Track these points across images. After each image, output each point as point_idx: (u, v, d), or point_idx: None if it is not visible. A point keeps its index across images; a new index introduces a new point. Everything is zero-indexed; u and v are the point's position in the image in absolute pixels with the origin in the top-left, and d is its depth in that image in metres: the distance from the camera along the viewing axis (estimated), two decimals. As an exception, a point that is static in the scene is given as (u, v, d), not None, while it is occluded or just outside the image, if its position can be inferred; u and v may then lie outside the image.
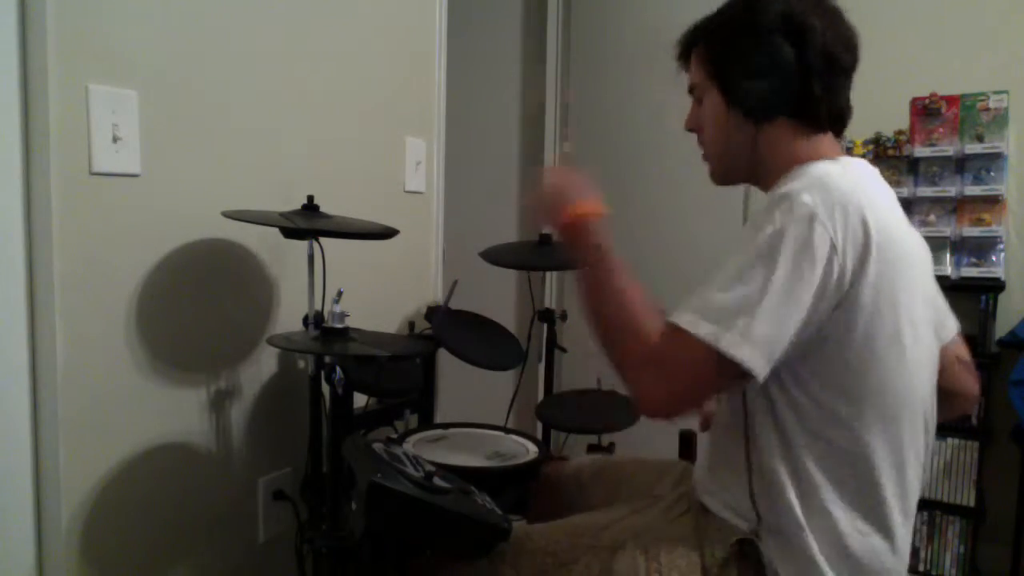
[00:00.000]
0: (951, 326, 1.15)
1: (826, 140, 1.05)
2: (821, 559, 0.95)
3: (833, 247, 0.88)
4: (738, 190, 1.14)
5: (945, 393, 1.09)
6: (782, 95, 1.00)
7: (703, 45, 1.08)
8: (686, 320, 0.91)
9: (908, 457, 0.98)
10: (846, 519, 0.96)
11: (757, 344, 0.87)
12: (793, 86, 0.99)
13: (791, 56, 0.98)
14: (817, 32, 0.98)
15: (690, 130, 1.14)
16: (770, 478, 0.97)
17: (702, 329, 0.89)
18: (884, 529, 0.97)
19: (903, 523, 0.99)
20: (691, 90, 1.11)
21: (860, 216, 0.90)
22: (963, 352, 1.17)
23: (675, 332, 0.92)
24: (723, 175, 1.13)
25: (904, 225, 1.01)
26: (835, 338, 0.91)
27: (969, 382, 1.17)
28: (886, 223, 0.93)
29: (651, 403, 0.95)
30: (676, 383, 0.94)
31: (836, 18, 1.02)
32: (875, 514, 0.97)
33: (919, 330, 0.98)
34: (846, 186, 0.92)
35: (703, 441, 1.16)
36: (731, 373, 0.89)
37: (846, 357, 0.92)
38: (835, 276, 0.89)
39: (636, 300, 1.00)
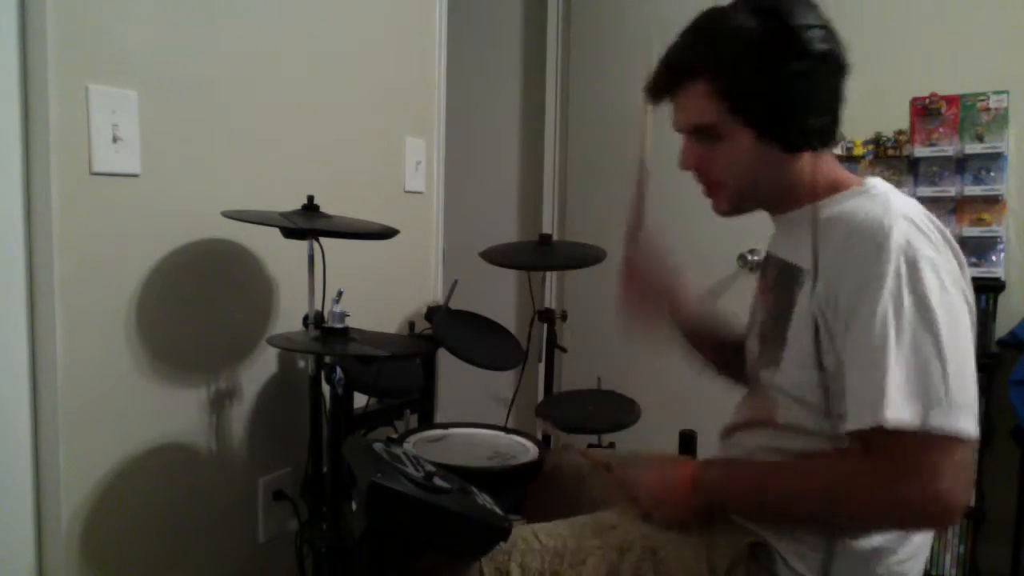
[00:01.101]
0: None
1: (831, 152, 1.05)
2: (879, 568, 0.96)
3: (956, 281, 0.90)
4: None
5: None
6: (832, 127, 0.98)
7: (711, 79, 0.97)
8: (885, 417, 0.83)
9: None
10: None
11: (967, 407, 0.84)
12: (837, 114, 0.98)
13: (834, 85, 0.96)
14: (836, 55, 0.96)
15: (689, 169, 1.06)
16: None
17: (908, 418, 0.83)
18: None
19: None
20: (696, 130, 1.02)
21: (949, 242, 0.92)
22: None
23: (884, 434, 0.84)
24: (738, 208, 1.07)
25: None
26: None
27: None
28: None
29: (926, 505, 0.84)
30: (927, 479, 0.83)
31: (837, 36, 0.99)
32: None
33: None
34: (929, 219, 0.93)
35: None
36: (958, 440, 0.84)
37: None
38: (968, 304, 0.91)
39: (784, 473, 0.96)
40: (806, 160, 0.99)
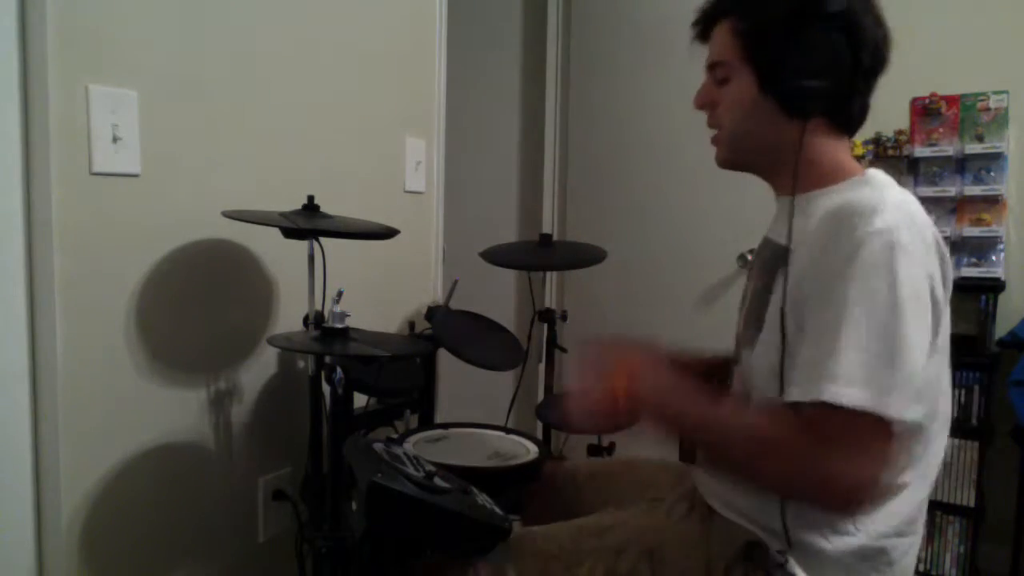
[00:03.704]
0: None
1: (846, 142, 1.03)
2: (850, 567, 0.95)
3: (931, 277, 0.88)
4: (745, 189, 1.10)
5: None
6: (831, 95, 0.96)
7: (737, 19, 0.99)
8: (832, 393, 0.83)
9: (938, 461, 1.00)
10: (879, 527, 0.95)
11: (915, 397, 0.84)
12: (843, 87, 0.96)
13: (848, 56, 0.94)
14: (869, 32, 0.96)
15: (700, 107, 1.06)
16: None
17: (856, 399, 0.82)
18: (912, 531, 0.98)
19: (922, 523, 1.00)
20: (712, 66, 1.03)
21: (937, 244, 0.91)
22: None
23: (826, 411, 0.83)
24: (733, 160, 1.06)
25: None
26: None
27: None
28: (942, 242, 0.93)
29: (851, 489, 0.84)
30: (860, 463, 0.83)
31: (880, 19, 0.99)
32: (908, 520, 0.97)
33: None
34: (923, 216, 0.91)
35: None
36: (900, 432, 0.84)
37: None
38: (937, 304, 0.89)
39: (728, 415, 0.96)
40: (807, 133, 0.97)
